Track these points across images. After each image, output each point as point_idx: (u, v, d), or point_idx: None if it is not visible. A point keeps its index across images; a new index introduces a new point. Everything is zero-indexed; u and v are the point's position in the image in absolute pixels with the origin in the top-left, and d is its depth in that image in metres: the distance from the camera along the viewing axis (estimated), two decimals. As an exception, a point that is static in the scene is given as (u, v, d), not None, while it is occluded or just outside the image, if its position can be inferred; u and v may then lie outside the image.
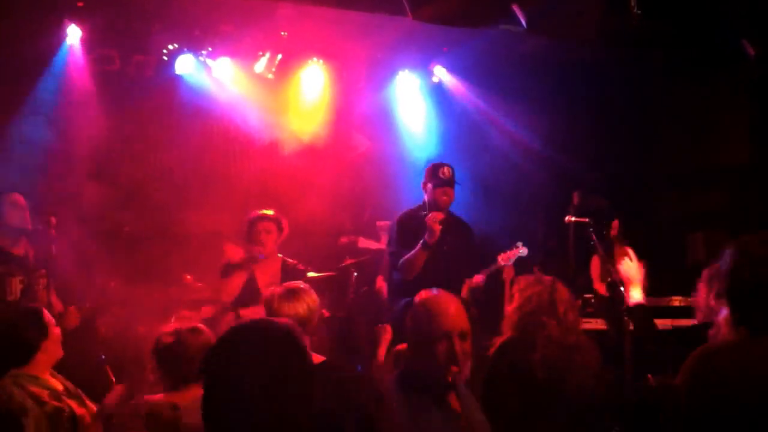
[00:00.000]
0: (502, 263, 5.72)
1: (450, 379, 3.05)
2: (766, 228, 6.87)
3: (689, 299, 5.51)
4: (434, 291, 3.21)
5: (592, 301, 6.64)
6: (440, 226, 5.37)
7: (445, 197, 5.60)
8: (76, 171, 7.14)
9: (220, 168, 8.11)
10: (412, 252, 5.41)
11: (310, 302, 3.78)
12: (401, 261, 5.47)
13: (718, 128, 7.52)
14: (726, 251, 2.76)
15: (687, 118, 7.76)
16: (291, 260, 5.91)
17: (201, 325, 3.58)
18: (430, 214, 5.43)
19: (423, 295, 3.19)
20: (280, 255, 5.93)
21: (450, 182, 5.61)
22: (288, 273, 5.69)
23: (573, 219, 6.76)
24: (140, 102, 7.59)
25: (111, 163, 7.49)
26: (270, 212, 5.87)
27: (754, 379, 2.56)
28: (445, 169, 5.61)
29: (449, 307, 3.08)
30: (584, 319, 6.46)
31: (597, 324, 6.43)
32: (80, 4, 6.92)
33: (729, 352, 2.67)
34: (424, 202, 5.75)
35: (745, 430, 2.53)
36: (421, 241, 5.37)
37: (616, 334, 5.89)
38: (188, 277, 7.02)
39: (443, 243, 5.48)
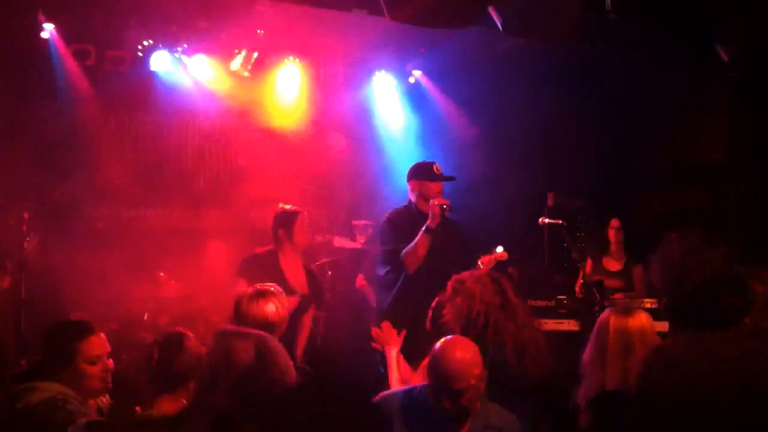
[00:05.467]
0: (482, 267, 5.74)
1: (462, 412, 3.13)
2: (745, 224, 6.97)
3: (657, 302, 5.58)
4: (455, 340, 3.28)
5: (566, 302, 6.67)
6: (442, 210, 5.43)
7: (437, 193, 5.63)
8: (49, 166, 7.07)
9: (196, 165, 8.07)
10: (415, 240, 5.43)
11: (278, 305, 3.77)
12: (404, 253, 5.44)
13: (696, 126, 7.58)
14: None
15: (665, 117, 7.80)
16: (310, 266, 5.98)
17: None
18: (434, 199, 5.48)
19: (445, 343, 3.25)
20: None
21: (441, 178, 5.66)
22: (311, 279, 5.79)
23: (547, 221, 6.81)
24: (115, 97, 7.53)
25: (85, 158, 7.42)
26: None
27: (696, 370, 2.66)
28: (436, 165, 5.68)
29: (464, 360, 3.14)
30: (557, 320, 6.51)
31: (570, 325, 6.45)
32: (55, -2, 6.87)
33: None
34: (410, 202, 5.76)
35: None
36: (424, 227, 5.41)
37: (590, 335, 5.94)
38: (162, 274, 7.00)
39: (436, 240, 5.51)
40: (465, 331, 3.63)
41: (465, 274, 3.99)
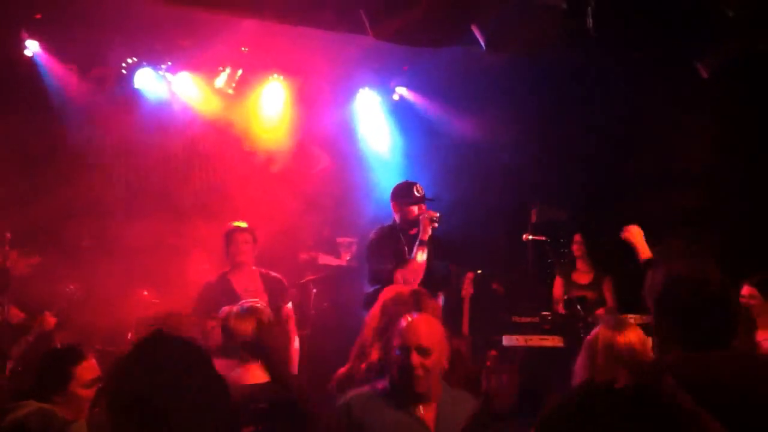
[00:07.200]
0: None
1: (419, 391, 3.19)
2: (738, 228, 6.89)
3: (644, 317, 5.55)
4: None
5: (549, 318, 6.68)
6: (431, 222, 5.56)
7: (417, 215, 5.69)
8: (31, 182, 7.03)
9: (179, 182, 8.05)
10: (413, 256, 5.54)
11: (263, 320, 3.81)
12: (413, 270, 5.50)
13: (681, 132, 7.58)
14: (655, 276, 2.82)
15: (656, 121, 7.78)
16: (272, 273, 5.97)
17: None
18: (424, 213, 5.62)
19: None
20: (254, 267, 5.96)
21: (423, 199, 5.74)
22: (269, 284, 5.82)
23: (530, 237, 6.84)
24: (99, 114, 7.51)
25: (69, 174, 7.38)
26: (244, 224, 5.90)
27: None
28: (418, 186, 5.78)
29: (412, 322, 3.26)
30: (542, 336, 6.51)
31: (554, 341, 6.46)
32: (38, 16, 6.85)
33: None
34: (394, 221, 5.82)
35: None
36: (418, 241, 5.55)
37: (574, 351, 5.94)
38: (145, 293, 6.96)
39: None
40: (376, 337, 3.72)
41: (390, 286, 4.09)
